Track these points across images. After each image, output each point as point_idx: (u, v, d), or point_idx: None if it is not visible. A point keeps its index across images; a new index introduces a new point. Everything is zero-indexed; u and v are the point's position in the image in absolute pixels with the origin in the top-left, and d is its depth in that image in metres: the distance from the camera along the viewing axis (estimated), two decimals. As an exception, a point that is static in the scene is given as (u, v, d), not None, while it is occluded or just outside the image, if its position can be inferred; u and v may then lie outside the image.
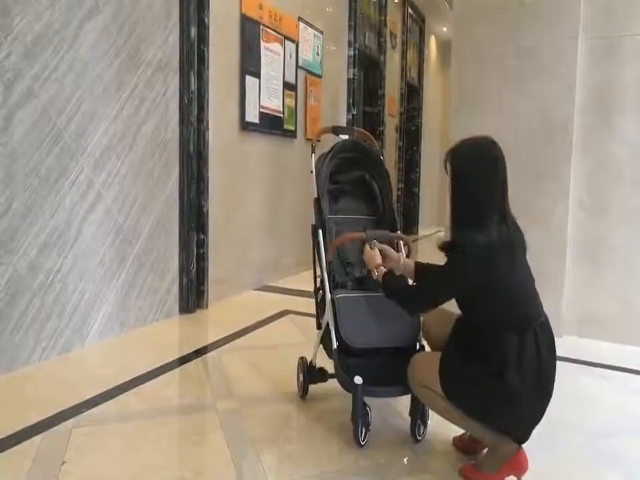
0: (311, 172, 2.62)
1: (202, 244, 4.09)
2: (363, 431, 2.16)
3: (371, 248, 2.31)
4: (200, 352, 3.23)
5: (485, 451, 2.09)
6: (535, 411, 1.94)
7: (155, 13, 3.60)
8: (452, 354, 2.00)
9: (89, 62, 3.13)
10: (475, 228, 1.91)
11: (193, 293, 4.02)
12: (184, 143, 3.90)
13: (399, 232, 2.62)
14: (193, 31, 3.91)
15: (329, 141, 2.76)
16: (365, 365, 2.22)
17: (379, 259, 2.26)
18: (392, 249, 2.37)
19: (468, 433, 2.17)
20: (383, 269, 2.22)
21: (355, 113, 6.74)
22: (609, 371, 3.22)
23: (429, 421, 2.25)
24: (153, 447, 2.16)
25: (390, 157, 8.30)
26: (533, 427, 1.95)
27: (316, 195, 2.57)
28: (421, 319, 2.33)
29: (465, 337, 2.00)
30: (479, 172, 1.95)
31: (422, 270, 2.25)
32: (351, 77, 6.68)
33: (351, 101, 6.68)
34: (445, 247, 2.01)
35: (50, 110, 2.90)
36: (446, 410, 2.01)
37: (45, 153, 2.88)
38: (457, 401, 1.96)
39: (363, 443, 2.16)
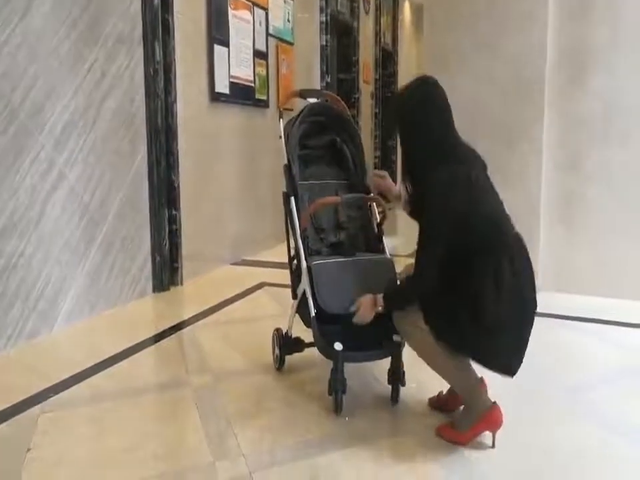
0: (280, 137, 2.55)
1: (174, 220, 3.99)
2: (342, 397, 2.15)
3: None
4: (174, 329, 3.18)
5: (461, 409, 2.10)
6: (519, 336, 1.95)
7: (113, -19, 3.45)
8: (434, 298, 1.98)
9: (44, 34, 2.98)
10: (437, 167, 1.94)
11: (166, 271, 3.94)
12: (151, 116, 3.78)
13: (372, 195, 2.55)
14: (156, -1, 3.77)
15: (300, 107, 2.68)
16: (344, 331, 2.19)
17: (372, 312, 2.13)
18: (391, 185, 2.38)
19: (443, 392, 2.21)
20: (379, 307, 2.11)
21: (329, 80, 6.62)
22: (586, 324, 3.26)
23: (412, 385, 2.28)
24: (125, 428, 2.11)
25: (366, 125, 8.20)
26: (519, 357, 1.95)
27: (286, 161, 2.50)
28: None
29: (443, 277, 1.96)
30: (427, 118, 1.99)
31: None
32: (324, 43, 6.53)
33: (325, 68, 6.55)
34: (411, 203, 2.04)
35: (2, 85, 2.77)
36: (431, 354, 2.00)
37: (-1, 131, 2.77)
38: (443, 338, 1.94)
39: (341, 410, 2.15)
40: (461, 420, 2.02)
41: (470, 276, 1.92)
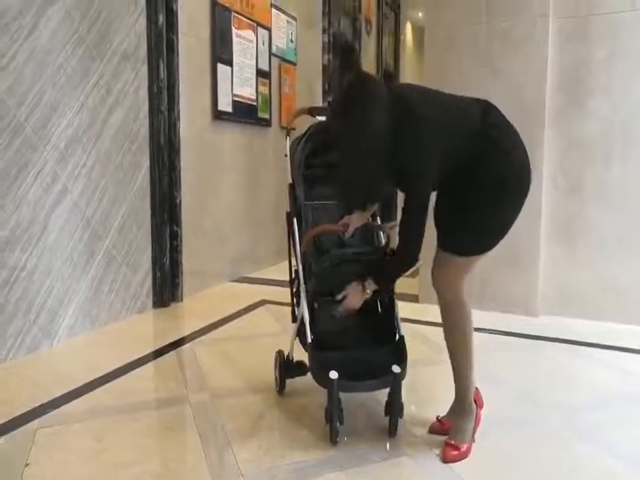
0: (285, 156, 2.52)
1: (175, 236, 4.01)
2: (338, 427, 2.08)
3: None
4: (174, 345, 3.17)
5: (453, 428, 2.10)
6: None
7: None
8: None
9: (51, 51, 3.02)
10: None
11: (167, 286, 3.95)
12: (154, 133, 3.81)
13: (378, 220, 2.52)
14: (161, 18, 3.82)
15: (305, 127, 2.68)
16: (341, 359, 2.14)
17: (360, 299, 2.14)
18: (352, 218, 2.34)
19: (440, 416, 2.19)
20: (368, 292, 2.11)
21: (330, 100, 6.66)
22: (585, 348, 3.23)
23: (412, 407, 2.24)
24: (123, 444, 2.10)
25: (368, 145, 8.21)
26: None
27: (290, 181, 2.48)
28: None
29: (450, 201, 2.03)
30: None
31: None
32: (326, 63, 6.59)
33: (327, 88, 6.60)
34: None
35: (8, 101, 2.79)
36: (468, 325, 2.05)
37: (4, 146, 2.77)
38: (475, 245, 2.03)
39: (337, 440, 2.08)
40: (462, 433, 2.05)
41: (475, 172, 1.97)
